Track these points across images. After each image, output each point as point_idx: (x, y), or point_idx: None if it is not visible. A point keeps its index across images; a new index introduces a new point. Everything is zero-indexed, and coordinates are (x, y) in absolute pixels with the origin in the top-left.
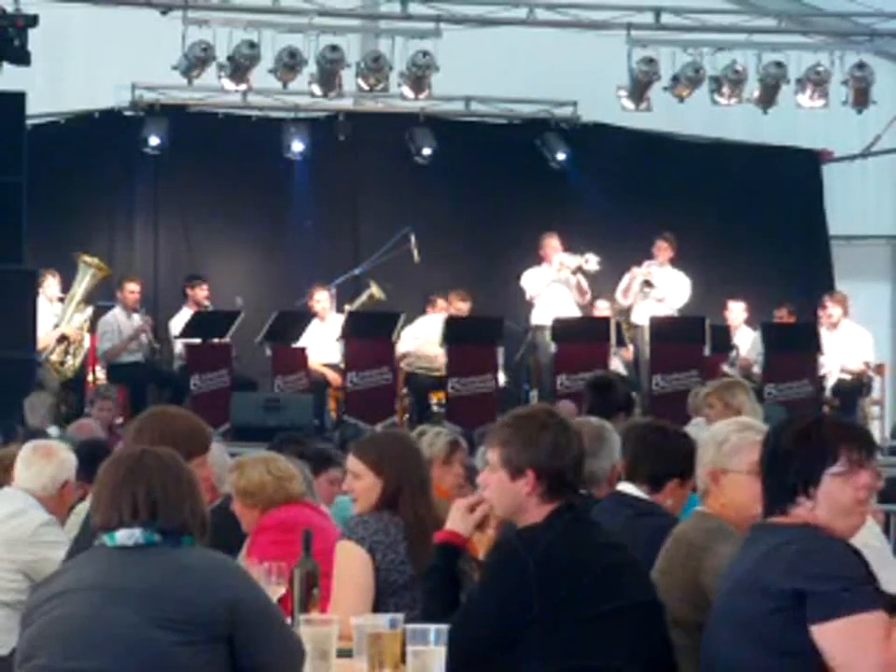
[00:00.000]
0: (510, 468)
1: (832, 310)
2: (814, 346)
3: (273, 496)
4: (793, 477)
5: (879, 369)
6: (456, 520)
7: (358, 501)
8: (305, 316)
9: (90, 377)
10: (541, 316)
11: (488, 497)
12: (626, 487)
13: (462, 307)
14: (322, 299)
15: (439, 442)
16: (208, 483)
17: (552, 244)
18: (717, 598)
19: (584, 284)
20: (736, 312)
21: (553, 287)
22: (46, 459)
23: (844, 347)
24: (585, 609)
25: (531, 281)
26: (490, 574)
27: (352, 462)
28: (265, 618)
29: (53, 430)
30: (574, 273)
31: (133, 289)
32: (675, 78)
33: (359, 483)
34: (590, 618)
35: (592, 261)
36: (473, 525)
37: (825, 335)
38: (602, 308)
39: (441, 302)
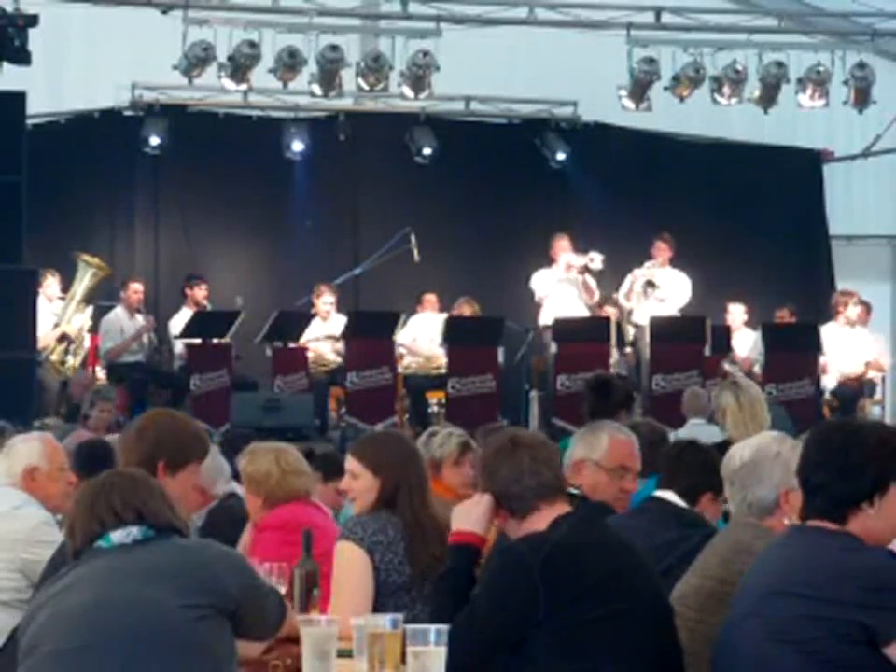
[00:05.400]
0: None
1: (853, 308)
2: (814, 346)
3: (276, 488)
4: (865, 484)
5: (876, 364)
6: (469, 520)
7: (356, 501)
8: (305, 316)
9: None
10: (549, 317)
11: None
12: (667, 495)
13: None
14: (329, 301)
15: (450, 443)
16: (199, 490)
17: (561, 244)
18: (745, 597)
19: (592, 284)
20: (736, 314)
21: (562, 287)
22: (2, 453)
23: (854, 348)
24: (591, 611)
25: (540, 282)
26: (495, 577)
27: (350, 462)
28: (260, 592)
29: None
30: (581, 273)
31: (136, 289)
32: (675, 78)
33: (357, 483)
34: (595, 620)
35: (597, 260)
36: (488, 523)
37: (839, 331)
38: (609, 313)
39: (428, 297)
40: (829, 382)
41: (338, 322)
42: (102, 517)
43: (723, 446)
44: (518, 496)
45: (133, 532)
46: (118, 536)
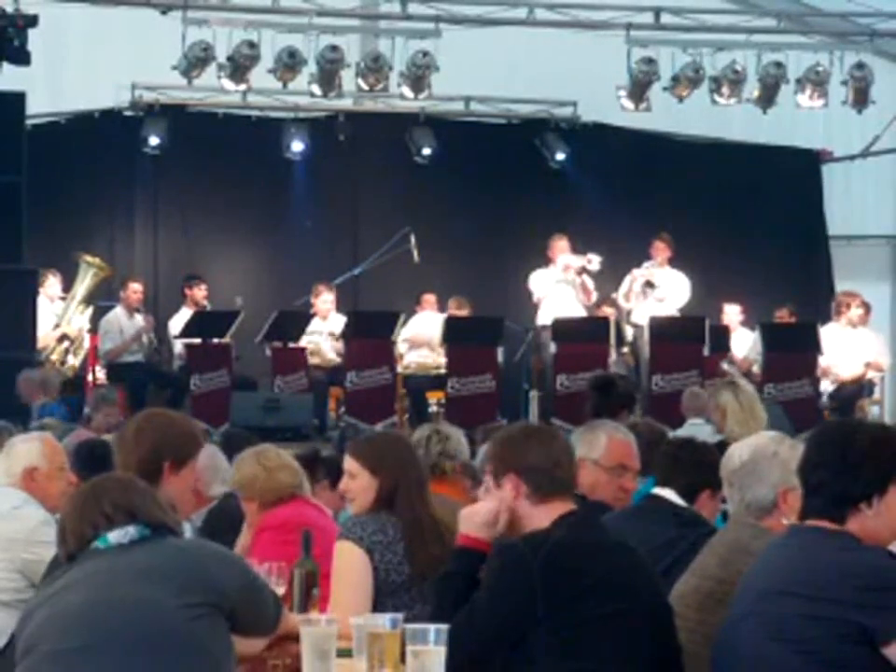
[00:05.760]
0: (495, 478)
1: (856, 310)
2: (813, 346)
3: (265, 487)
4: (862, 485)
5: (875, 364)
6: (475, 524)
7: (355, 501)
8: (305, 316)
9: (90, 377)
10: (547, 317)
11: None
12: (665, 493)
13: (459, 314)
14: (328, 299)
15: (464, 444)
16: (198, 487)
17: (559, 245)
18: (744, 596)
19: (589, 285)
20: (732, 314)
21: (559, 288)
22: (2, 453)
23: (856, 349)
24: (590, 610)
25: (538, 282)
26: (495, 576)
27: (348, 462)
28: (258, 589)
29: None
30: (578, 274)
31: (136, 289)
32: (674, 78)
33: (355, 482)
34: (595, 620)
35: (594, 262)
36: (494, 527)
37: (840, 332)
38: (608, 313)
39: (427, 297)
40: (828, 386)
41: (338, 321)
42: (93, 521)
43: (721, 446)
44: (549, 480)
45: (131, 532)
46: (115, 536)
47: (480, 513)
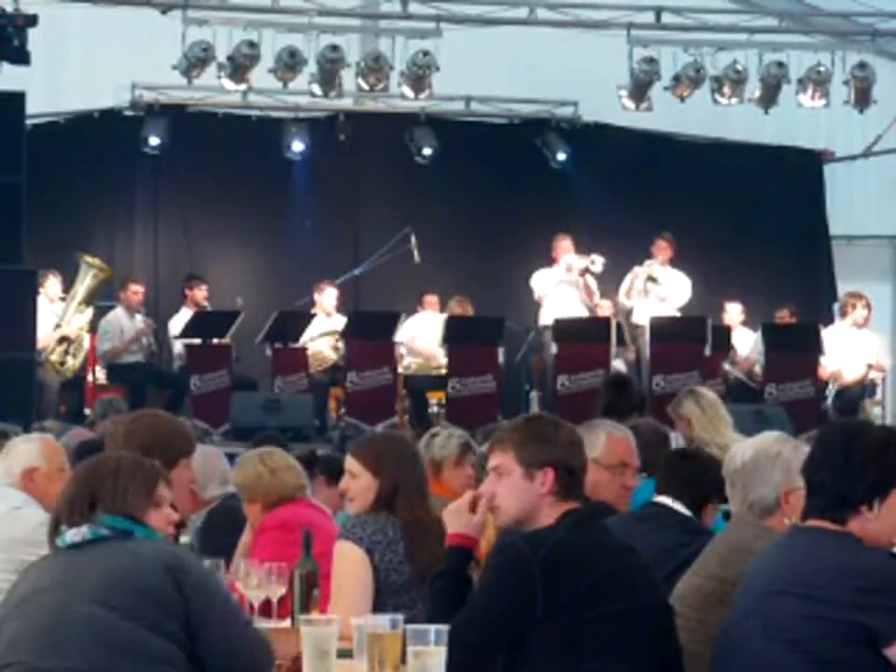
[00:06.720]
0: (526, 467)
1: (861, 311)
2: (815, 347)
3: (270, 488)
4: (864, 487)
5: (877, 366)
6: (461, 522)
7: (355, 501)
8: (305, 316)
9: (90, 377)
10: (549, 317)
11: (498, 505)
12: (667, 501)
13: (460, 315)
14: (333, 294)
15: (451, 444)
16: (194, 487)
17: (563, 244)
18: (746, 596)
19: (592, 285)
20: (733, 314)
21: (562, 287)
22: (2, 453)
23: (858, 350)
24: (590, 610)
25: (540, 281)
26: (494, 574)
27: (349, 462)
28: (215, 594)
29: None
30: (581, 274)
31: (136, 290)
32: (676, 78)
33: (356, 483)
34: (594, 619)
35: (598, 263)
36: (480, 525)
37: (845, 332)
38: (605, 307)
39: (429, 298)
40: (832, 389)
41: (339, 321)
42: (58, 515)
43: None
44: (576, 483)
45: (84, 531)
46: (70, 535)
47: (463, 512)
